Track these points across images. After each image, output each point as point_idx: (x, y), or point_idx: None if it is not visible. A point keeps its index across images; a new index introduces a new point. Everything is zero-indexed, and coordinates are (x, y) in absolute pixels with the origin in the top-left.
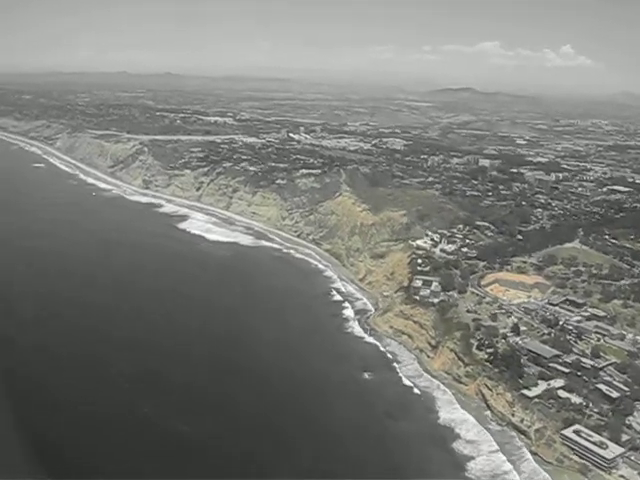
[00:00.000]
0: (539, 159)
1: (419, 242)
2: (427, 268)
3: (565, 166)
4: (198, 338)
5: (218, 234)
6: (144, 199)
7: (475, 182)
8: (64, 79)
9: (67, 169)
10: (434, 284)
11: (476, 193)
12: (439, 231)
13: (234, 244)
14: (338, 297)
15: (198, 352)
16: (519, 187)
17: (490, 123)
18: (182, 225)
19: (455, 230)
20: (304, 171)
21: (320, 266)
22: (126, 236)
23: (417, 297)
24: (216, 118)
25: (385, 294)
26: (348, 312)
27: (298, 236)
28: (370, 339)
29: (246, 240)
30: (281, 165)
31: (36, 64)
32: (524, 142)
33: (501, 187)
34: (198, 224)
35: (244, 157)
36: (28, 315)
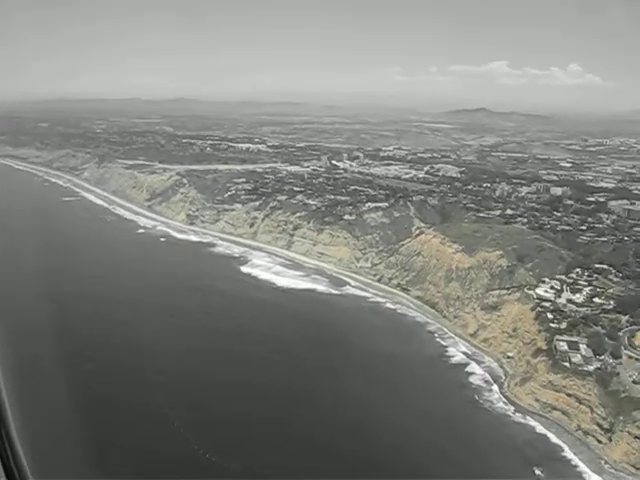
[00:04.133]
0: (602, 184)
1: (539, 291)
2: (562, 325)
3: (636, 192)
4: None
5: (288, 278)
6: (194, 237)
7: (557, 214)
8: (76, 106)
9: (101, 203)
10: (583, 347)
11: (567, 227)
12: (557, 277)
13: (311, 292)
14: (455, 359)
15: (324, 436)
16: (608, 218)
17: (522, 145)
18: (245, 269)
19: (574, 275)
20: (370, 204)
21: (419, 319)
22: (193, 281)
23: (567, 364)
24: (248, 145)
25: (509, 355)
26: (476, 380)
27: (378, 280)
28: (518, 417)
29: (322, 287)
30: (342, 198)
31: (45, 91)
32: (569, 164)
33: (590, 220)
34: (262, 267)
35: (296, 189)
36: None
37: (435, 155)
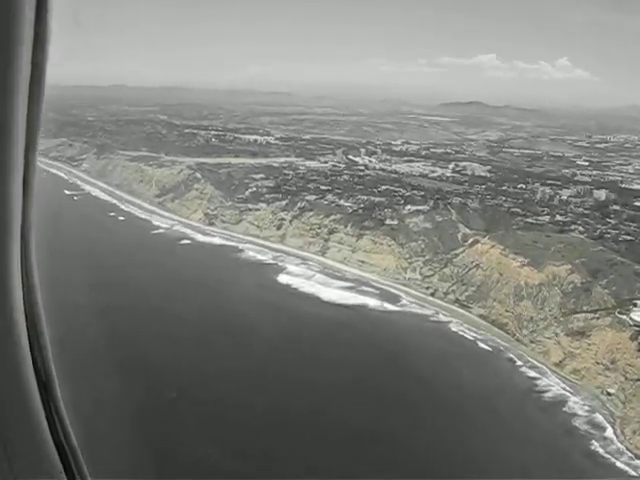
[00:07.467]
0: (636, 186)
1: (635, 317)
2: None
3: None
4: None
5: (334, 290)
6: (217, 240)
7: (612, 221)
8: (61, 93)
9: (108, 198)
10: None
11: (628, 237)
12: None
13: (362, 308)
14: (548, 395)
15: None
16: None
17: (529, 141)
18: (283, 278)
19: None
20: (411, 207)
21: (491, 342)
22: (231, 293)
23: None
24: (255, 137)
25: (610, 391)
26: (581, 424)
27: (432, 295)
28: None
29: (375, 301)
30: (376, 199)
31: None
32: (586, 163)
33: None
34: (301, 277)
35: (323, 187)
36: None
37: (448, 151)
